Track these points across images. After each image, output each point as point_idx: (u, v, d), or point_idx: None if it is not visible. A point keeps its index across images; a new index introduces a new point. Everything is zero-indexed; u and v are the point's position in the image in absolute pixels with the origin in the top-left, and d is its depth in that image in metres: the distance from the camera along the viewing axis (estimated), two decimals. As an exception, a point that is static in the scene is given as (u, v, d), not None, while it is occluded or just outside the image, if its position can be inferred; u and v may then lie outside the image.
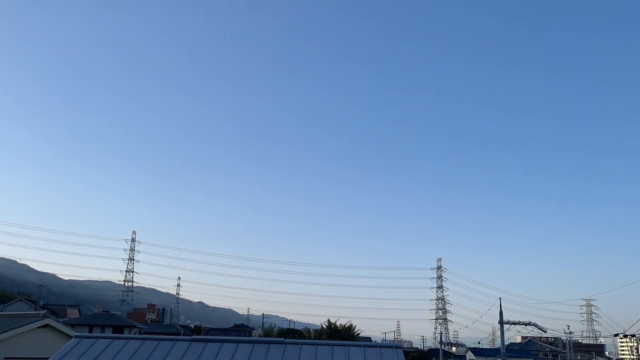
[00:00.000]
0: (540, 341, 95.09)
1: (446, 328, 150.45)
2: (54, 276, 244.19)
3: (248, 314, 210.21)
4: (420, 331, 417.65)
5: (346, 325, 47.34)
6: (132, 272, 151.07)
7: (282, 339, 11.73)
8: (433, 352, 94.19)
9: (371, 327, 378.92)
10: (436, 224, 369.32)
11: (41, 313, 25.44)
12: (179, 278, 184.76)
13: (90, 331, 59.95)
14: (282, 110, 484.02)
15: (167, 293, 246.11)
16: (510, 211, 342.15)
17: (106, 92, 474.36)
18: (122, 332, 61.10)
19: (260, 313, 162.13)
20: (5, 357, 20.82)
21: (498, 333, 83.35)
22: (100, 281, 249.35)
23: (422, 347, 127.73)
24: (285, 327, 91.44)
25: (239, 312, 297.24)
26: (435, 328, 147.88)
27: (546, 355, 78.11)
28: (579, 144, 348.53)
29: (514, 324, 73.86)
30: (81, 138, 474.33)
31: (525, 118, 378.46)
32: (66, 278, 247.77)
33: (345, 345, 11.37)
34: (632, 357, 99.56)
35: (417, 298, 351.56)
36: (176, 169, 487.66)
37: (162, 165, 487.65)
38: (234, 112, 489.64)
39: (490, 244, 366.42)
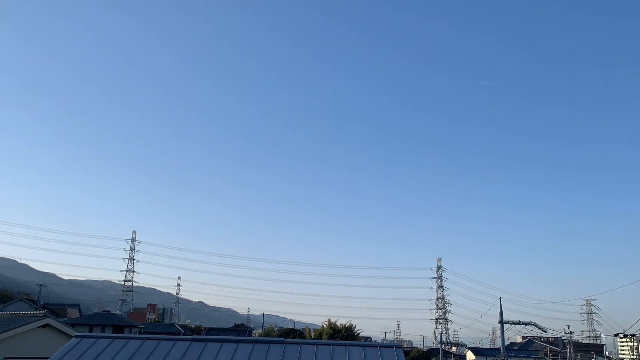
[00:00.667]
0: (541, 341, 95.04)
1: (446, 328, 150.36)
2: (54, 276, 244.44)
3: (248, 314, 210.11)
4: (420, 331, 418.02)
5: (346, 325, 47.23)
6: (132, 271, 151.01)
7: (283, 338, 11.71)
8: (433, 351, 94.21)
9: (371, 326, 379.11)
10: (436, 224, 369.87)
11: (41, 313, 25.42)
12: (179, 278, 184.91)
13: (90, 331, 59.89)
14: (282, 111, 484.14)
15: (167, 293, 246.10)
16: (510, 211, 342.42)
17: (105, 94, 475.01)
18: (122, 332, 61.07)
19: (261, 313, 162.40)
20: (5, 357, 20.80)
21: (498, 333, 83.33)
22: (101, 281, 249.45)
23: (422, 346, 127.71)
24: (285, 327, 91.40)
25: (239, 311, 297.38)
26: (435, 328, 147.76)
27: (546, 355, 78.03)
28: (580, 142, 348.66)
29: (514, 323, 73.84)
30: (81, 138, 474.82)
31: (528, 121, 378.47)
32: (66, 278, 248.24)
33: (346, 345, 11.35)
34: (632, 357, 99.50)
35: (417, 298, 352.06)
36: (176, 169, 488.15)
37: (162, 166, 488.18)
38: (234, 113, 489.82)
39: (490, 244, 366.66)
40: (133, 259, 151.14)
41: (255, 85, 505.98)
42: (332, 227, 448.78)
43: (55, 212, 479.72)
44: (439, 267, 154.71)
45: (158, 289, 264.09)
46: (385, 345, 11.53)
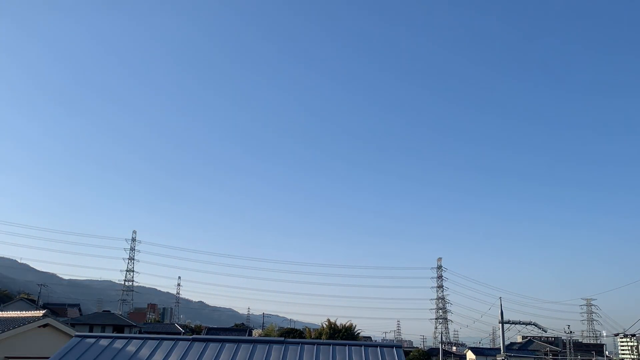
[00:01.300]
0: (541, 341, 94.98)
1: (446, 328, 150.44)
2: (54, 276, 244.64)
3: (248, 314, 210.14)
4: (420, 331, 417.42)
5: (346, 325, 47.26)
6: (133, 271, 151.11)
7: (283, 338, 11.71)
8: (433, 351, 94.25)
9: (371, 326, 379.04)
10: (436, 224, 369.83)
11: (41, 312, 25.40)
12: (179, 277, 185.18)
13: (91, 330, 59.96)
14: (282, 112, 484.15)
15: (168, 292, 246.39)
16: (511, 211, 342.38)
17: (105, 93, 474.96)
18: (123, 332, 61.11)
19: (261, 312, 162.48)
20: (5, 357, 20.78)
21: (498, 333, 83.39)
22: (101, 281, 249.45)
23: (422, 346, 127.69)
24: (285, 327, 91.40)
25: (239, 311, 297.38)
26: (436, 328, 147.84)
27: (546, 354, 77.95)
28: (579, 142, 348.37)
29: (515, 323, 73.84)
30: (81, 138, 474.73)
31: (528, 122, 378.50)
32: (66, 277, 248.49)
33: (346, 345, 11.35)
34: (632, 357, 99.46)
35: (417, 298, 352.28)
36: (176, 169, 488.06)
37: (162, 166, 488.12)
38: (233, 113, 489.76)
39: (490, 244, 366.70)
40: (133, 259, 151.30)
41: (258, 81, 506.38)
42: (332, 227, 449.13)
43: (55, 212, 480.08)
44: (439, 267, 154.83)
45: (158, 288, 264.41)
46: (386, 345, 11.52)
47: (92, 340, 11.37)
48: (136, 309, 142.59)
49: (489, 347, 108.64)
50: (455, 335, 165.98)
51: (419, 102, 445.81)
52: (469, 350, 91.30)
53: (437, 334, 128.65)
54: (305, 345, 11.18)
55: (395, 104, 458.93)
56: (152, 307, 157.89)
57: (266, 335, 78.74)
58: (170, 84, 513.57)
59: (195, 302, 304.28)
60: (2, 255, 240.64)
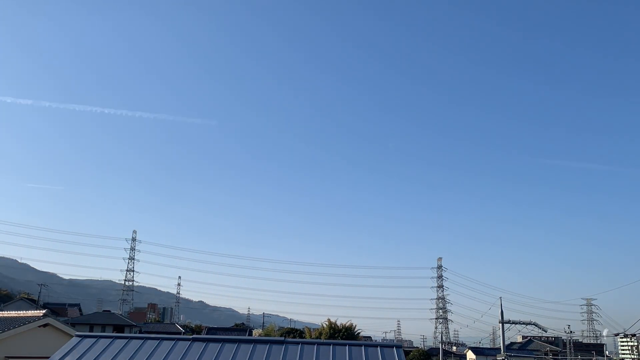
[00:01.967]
0: (541, 341, 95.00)
1: (446, 327, 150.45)
2: (54, 276, 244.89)
3: (248, 314, 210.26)
4: (420, 331, 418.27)
5: (346, 325, 47.17)
6: (133, 271, 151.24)
7: (283, 338, 11.69)
8: (434, 351, 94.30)
9: (371, 326, 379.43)
10: (436, 224, 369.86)
11: (42, 312, 25.40)
12: (180, 277, 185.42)
13: (91, 330, 60.01)
14: (284, 108, 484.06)
15: (168, 292, 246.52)
16: (511, 211, 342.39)
17: (105, 91, 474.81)
18: (123, 332, 61.13)
19: (261, 312, 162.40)
20: (5, 357, 20.78)
21: (498, 332, 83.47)
22: (101, 280, 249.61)
23: (422, 346, 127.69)
24: (285, 327, 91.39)
25: (239, 311, 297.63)
26: (436, 327, 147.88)
27: (546, 354, 77.96)
28: (580, 143, 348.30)
29: (515, 323, 73.87)
30: (81, 138, 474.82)
31: (528, 122, 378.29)
32: (67, 277, 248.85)
33: (346, 345, 11.34)
34: (632, 357, 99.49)
35: (417, 298, 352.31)
36: (176, 169, 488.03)
37: (163, 166, 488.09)
38: (233, 114, 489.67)
39: (490, 244, 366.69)
40: (133, 259, 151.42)
41: (262, 79, 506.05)
42: (333, 227, 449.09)
43: (55, 212, 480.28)
44: (439, 267, 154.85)
45: (158, 288, 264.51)
46: (386, 345, 11.51)
47: (92, 340, 11.37)
48: (136, 309, 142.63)
49: (489, 347, 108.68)
50: (456, 335, 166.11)
51: (419, 102, 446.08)
52: (469, 350, 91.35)
53: (437, 334, 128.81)
54: (305, 345, 11.18)
55: (397, 103, 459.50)
56: (152, 307, 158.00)
57: (266, 335, 78.66)
58: (170, 84, 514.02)
59: (195, 302, 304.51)
60: (2, 255, 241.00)
